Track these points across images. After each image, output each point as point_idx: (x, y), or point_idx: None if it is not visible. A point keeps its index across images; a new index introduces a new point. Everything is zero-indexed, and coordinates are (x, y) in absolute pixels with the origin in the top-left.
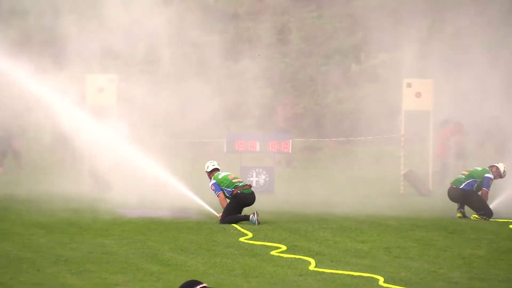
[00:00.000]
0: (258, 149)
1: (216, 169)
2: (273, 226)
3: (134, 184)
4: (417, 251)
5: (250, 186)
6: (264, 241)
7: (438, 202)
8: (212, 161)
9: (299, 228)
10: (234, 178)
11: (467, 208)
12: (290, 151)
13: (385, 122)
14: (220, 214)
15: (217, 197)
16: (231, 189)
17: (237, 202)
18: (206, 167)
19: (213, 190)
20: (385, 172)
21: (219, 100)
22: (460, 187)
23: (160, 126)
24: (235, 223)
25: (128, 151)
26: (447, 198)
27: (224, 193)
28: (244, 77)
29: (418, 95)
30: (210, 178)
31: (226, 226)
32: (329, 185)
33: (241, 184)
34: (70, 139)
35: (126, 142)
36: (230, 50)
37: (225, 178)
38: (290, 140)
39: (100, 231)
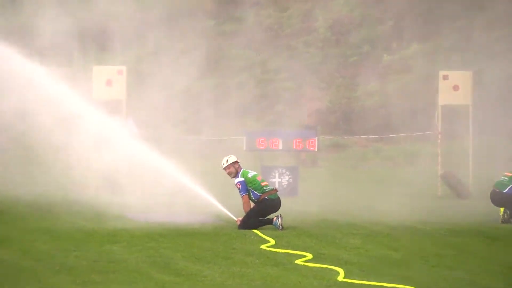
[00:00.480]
0: (281, 147)
1: (237, 163)
2: (298, 231)
3: (145, 186)
4: (455, 260)
5: (276, 190)
6: (287, 248)
7: (479, 205)
8: (228, 155)
9: (326, 234)
10: (262, 180)
11: None
12: (316, 149)
13: (420, 118)
14: (239, 218)
15: (239, 198)
16: (259, 193)
17: (263, 209)
18: (224, 161)
19: (238, 188)
20: (420, 172)
21: (237, 93)
22: (504, 191)
23: (173, 122)
24: (256, 228)
25: (138, 149)
26: (488, 201)
27: (249, 196)
28: (264, 68)
29: (456, 88)
30: (230, 174)
31: (246, 231)
32: (359, 187)
33: (268, 188)
34: (74, 136)
35: (135, 140)
36: (249, 40)
37: (254, 178)
38: (316, 138)
39: (108, 237)
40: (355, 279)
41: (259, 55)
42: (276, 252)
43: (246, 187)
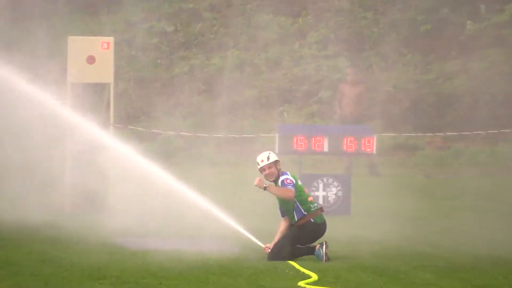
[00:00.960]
0: (326, 148)
1: (279, 162)
2: (349, 263)
3: (140, 202)
4: None
5: (322, 210)
6: (336, 286)
7: None
8: (267, 151)
9: (388, 267)
10: (309, 195)
11: None
12: (374, 151)
13: None
14: (268, 245)
15: (267, 218)
16: (304, 209)
17: (305, 235)
18: (264, 158)
19: (289, 183)
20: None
21: (263, 77)
22: None
23: (176, 113)
24: (292, 259)
25: (127, 153)
26: None
27: (292, 207)
28: (300, 42)
29: None
30: (270, 176)
31: (278, 263)
32: (433, 203)
33: (314, 206)
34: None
35: (122, 141)
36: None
37: (302, 188)
38: (375, 136)
39: (89, 271)
40: None
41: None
42: None
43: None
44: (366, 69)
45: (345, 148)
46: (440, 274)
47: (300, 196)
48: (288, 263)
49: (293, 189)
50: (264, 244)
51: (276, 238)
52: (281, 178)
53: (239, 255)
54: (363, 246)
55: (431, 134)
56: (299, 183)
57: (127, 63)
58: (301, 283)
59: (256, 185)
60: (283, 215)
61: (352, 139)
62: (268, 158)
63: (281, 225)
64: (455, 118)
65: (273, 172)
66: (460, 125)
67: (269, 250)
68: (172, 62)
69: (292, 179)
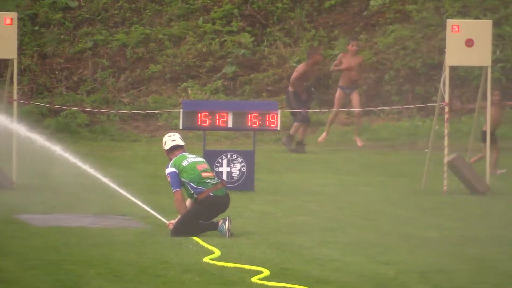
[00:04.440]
0: (230, 124)
1: (178, 147)
2: (253, 239)
3: (43, 178)
4: (467, 278)
5: (223, 184)
6: (239, 262)
7: (500, 202)
8: (171, 134)
9: (292, 243)
10: (205, 170)
11: None
12: (278, 127)
13: (421, 84)
14: (171, 221)
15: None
16: (199, 186)
17: (205, 209)
18: (163, 143)
19: (169, 182)
20: (421, 160)
21: (167, 52)
22: None
23: (80, 89)
24: (196, 235)
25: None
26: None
27: (186, 189)
28: (204, 17)
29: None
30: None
31: (182, 239)
32: (337, 176)
33: (212, 181)
34: None
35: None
36: None
37: (191, 166)
38: (279, 112)
39: None
40: None
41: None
42: (223, 266)
43: (179, 179)
44: (270, 44)
45: (249, 124)
46: (344, 250)
47: (190, 175)
48: (192, 239)
49: (175, 190)
50: (167, 220)
51: (180, 215)
52: (166, 172)
53: (143, 232)
54: (267, 222)
55: (335, 109)
56: (184, 163)
57: (31, 38)
58: (206, 259)
59: (168, 226)
60: (187, 192)
61: (256, 114)
62: (164, 144)
63: (182, 203)
64: (359, 94)
65: (170, 158)
66: (364, 100)
67: (172, 226)
68: (75, 38)
69: (172, 171)
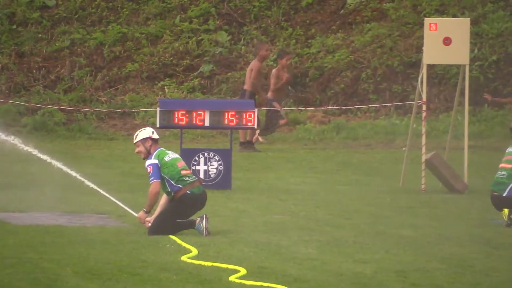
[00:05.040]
0: (207, 123)
1: (153, 140)
2: (230, 238)
3: (20, 176)
4: (445, 276)
5: (200, 182)
6: (216, 261)
7: (476, 201)
8: (146, 128)
9: (269, 241)
10: (184, 168)
11: None
12: (255, 125)
13: (399, 82)
14: (148, 218)
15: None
16: (177, 184)
17: (183, 207)
18: (134, 136)
19: (148, 172)
20: (398, 158)
21: (144, 51)
22: (504, 194)
23: (57, 88)
24: (173, 233)
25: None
26: (489, 197)
27: (164, 186)
28: (181, 16)
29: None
30: (140, 154)
31: (159, 238)
32: (314, 175)
33: (190, 179)
34: None
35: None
36: None
37: (172, 163)
38: (256, 110)
39: None
40: None
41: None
42: (200, 265)
43: (159, 172)
44: (246, 43)
45: (226, 122)
46: (322, 249)
47: (170, 171)
48: (170, 237)
49: (153, 180)
50: (136, 213)
51: (157, 211)
52: (146, 163)
53: (121, 230)
54: (245, 220)
55: (312, 108)
56: (167, 158)
57: (8, 37)
58: (183, 258)
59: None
60: (165, 189)
61: (233, 113)
62: (135, 137)
63: (162, 198)
64: (336, 93)
65: (141, 151)
66: (341, 99)
67: (149, 224)
68: (53, 36)
69: (155, 161)
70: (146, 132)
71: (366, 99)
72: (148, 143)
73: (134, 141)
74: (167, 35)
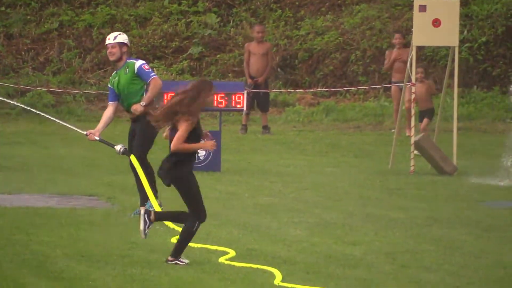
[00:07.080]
0: None
1: (128, 48)
2: (219, 220)
3: (9, 157)
4: (433, 258)
5: None
6: (206, 242)
7: (465, 183)
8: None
9: (259, 224)
10: None
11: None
12: (244, 107)
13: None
14: (91, 130)
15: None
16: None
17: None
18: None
19: (147, 69)
20: (386, 140)
21: (133, 33)
22: None
23: (46, 70)
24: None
25: None
26: (478, 179)
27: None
28: None
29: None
30: (111, 55)
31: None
32: (303, 157)
33: None
34: None
35: None
36: None
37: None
38: (245, 92)
39: None
40: (297, 284)
41: None
42: (190, 247)
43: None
44: (236, 25)
45: (215, 104)
46: (311, 231)
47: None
48: (164, 223)
49: (155, 75)
50: (83, 130)
51: (100, 125)
52: (138, 63)
53: (110, 212)
54: (234, 202)
55: (301, 90)
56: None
57: None
58: (173, 239)
59: (137, 113)
60: (112, 100)
61: (222, 95)
62: (114, 38)
63: (107, 111)
64: (326, 74)
65: (115, 52)
66: (330, 81)
67: (95, 138)
68: (41, 18)
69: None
70: (125, 37)
71: (355, 81)
72: (124, 49)
73: (112, 41)
74: (156, 17)
